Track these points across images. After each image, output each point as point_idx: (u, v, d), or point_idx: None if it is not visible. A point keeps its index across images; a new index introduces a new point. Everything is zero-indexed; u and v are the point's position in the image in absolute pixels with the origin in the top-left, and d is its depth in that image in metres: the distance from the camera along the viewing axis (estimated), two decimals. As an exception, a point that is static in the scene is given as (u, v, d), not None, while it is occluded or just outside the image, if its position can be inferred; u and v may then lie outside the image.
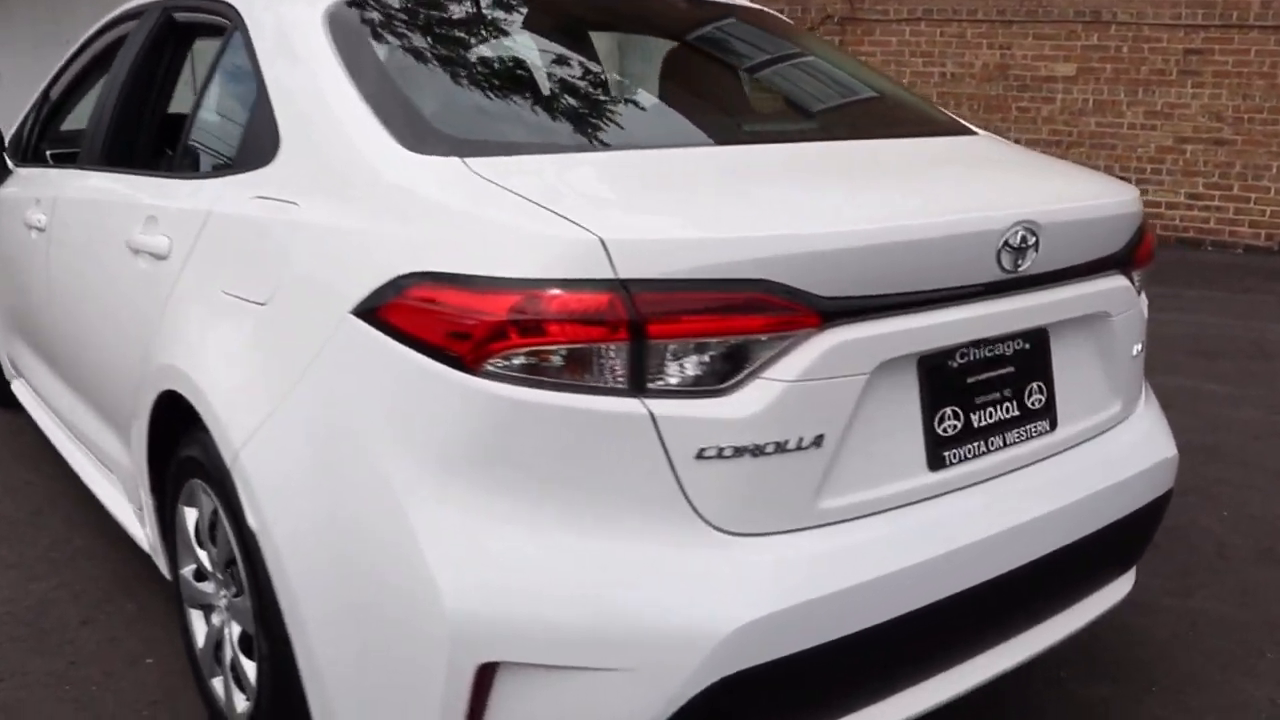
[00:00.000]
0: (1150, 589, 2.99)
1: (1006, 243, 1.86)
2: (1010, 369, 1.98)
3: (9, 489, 3.73)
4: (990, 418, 1.95)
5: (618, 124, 2.25)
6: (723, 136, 2.41)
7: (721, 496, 1.64)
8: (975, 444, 1.92)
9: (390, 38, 2.25)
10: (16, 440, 4.13)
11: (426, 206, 1.73)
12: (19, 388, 3.97)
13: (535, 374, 1.58)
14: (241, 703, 2.15)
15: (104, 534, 3.32)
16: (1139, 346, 2.24)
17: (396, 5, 2.36)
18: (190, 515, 2.31)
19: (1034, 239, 1.90)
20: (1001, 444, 1.96)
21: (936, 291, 1.81)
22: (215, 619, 2.29)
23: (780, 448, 1.65)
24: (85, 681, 2.59)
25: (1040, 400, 2.03)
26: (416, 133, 1.89)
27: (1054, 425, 2.06)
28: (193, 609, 2.39)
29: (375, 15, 2.28)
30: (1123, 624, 2.81)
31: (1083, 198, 2.09)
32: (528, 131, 2.09)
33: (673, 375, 1.61)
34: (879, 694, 1.83)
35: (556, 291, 1.55)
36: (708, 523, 1.64)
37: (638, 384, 1.60)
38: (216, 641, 2.28)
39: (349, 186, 1.89)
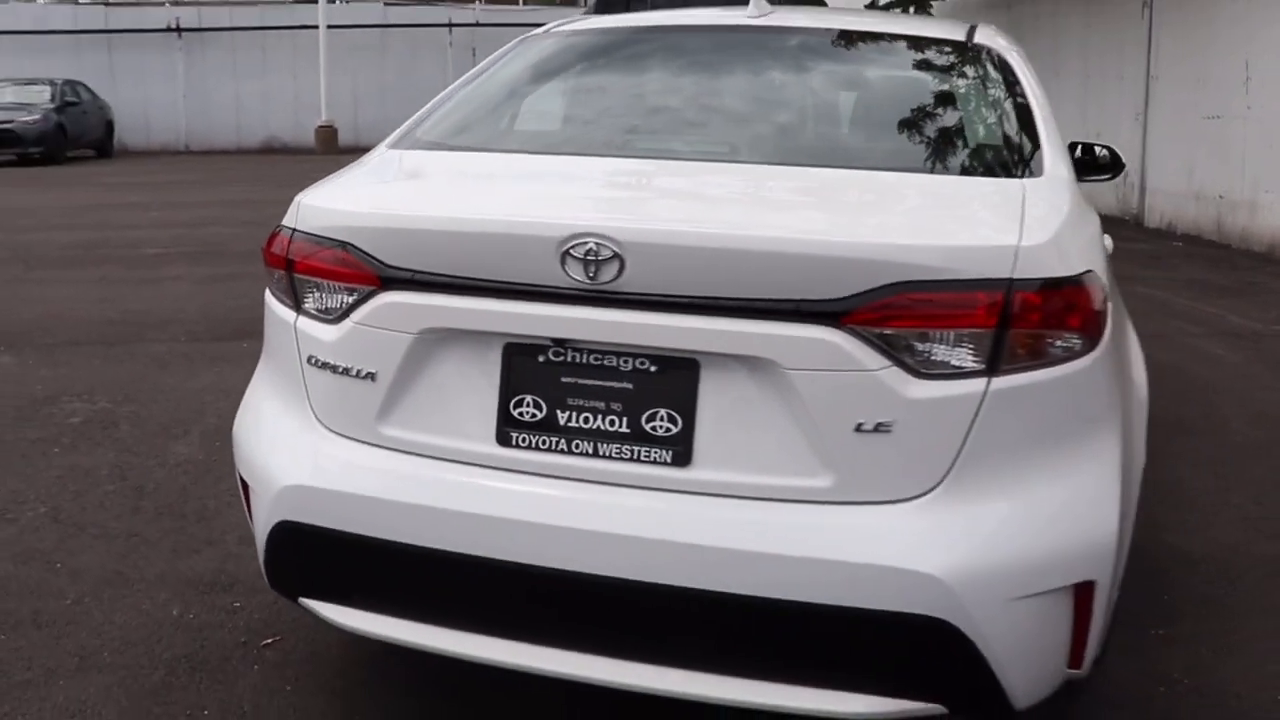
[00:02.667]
0: None
1: (569, 252, 1.94)
2: (627, 385, 2.01)
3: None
4: (583, 422, 2.03)
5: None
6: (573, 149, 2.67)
7: (321, 398, 2.21)
8: (555, 438, 2.03)
9: None
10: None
11: None
12: None
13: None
14: None
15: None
16: (880, 420, 1.88)
17: None
18: None
19: (611, 254, 1.92)
20: (591, 451, 2.01)
21: (507, 284, 2.01)
22: None
23: (346, 372, 2.15)
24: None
25: (669, 429, 1.98)
26: None
27: (684, 461, 1.97)
28: None
29: None
30: None
31: (750, 228, 1.98)
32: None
33: (307, 301, 2.23)
34: (451, 622, 2.10)
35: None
36: (316, 417, 2.22)
37: (296, 303, 2.25)
38: None
39: None
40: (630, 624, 2.00)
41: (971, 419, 1.87)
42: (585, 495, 2.00)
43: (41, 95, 20.98)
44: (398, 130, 2.70)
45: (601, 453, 2.01)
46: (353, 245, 2.13)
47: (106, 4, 25.28)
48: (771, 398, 1.93)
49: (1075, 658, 2.02)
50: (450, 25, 24.26)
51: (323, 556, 2.19)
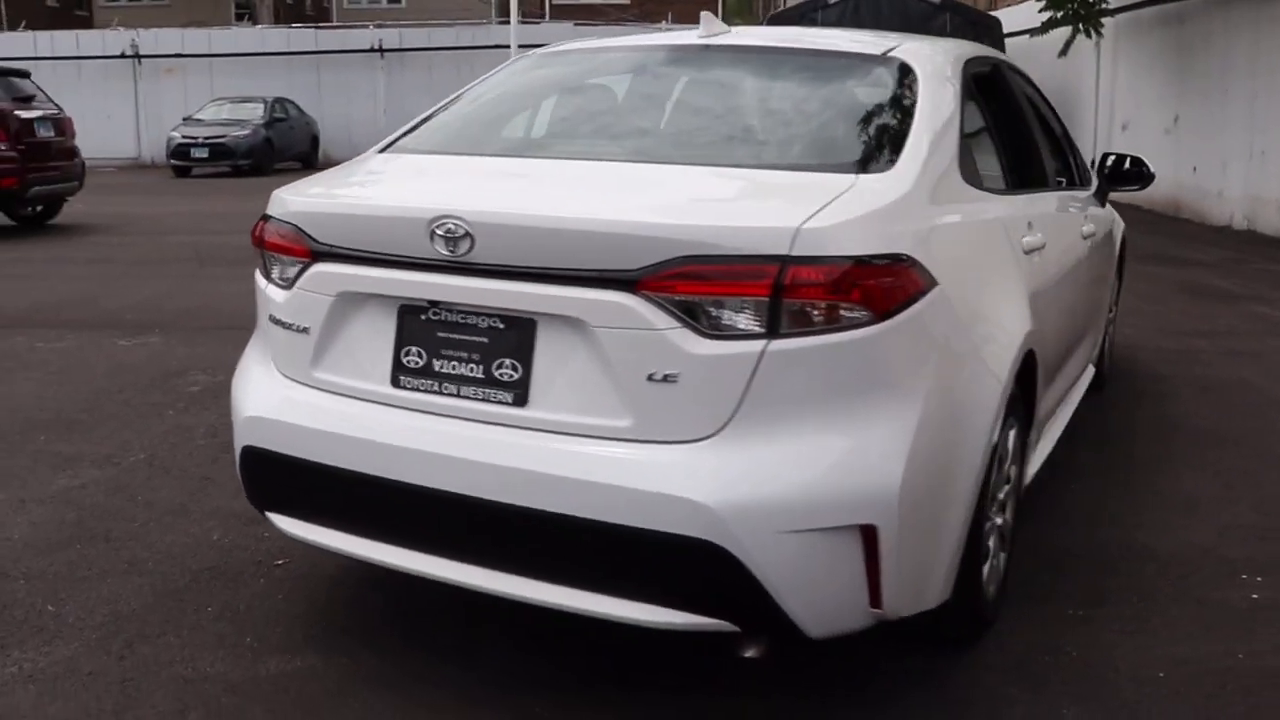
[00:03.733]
0: None
1: (434, 231, 2.39)
2: (483, 339, 2.44)
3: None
4: (451, 368, 2.48)
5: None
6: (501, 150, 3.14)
7: (276, 350, 2.77)
8: (431, 382, 2.50)
9: None
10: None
11: None
12: None
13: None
14: None
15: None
16: (667, 372, 2.24)
17: None
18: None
19: (464, 233, 2.36)
20: (455, 392, 2.46)
21: (398, 257, 2.49)
22: None
23: (291, 327, 2.71)
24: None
25: (511, 375, 2.40)
26: None
27: (522, 402, 2.39)
28: None
29: None
30: None
31: (581, 212, 2.39)
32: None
33: (272, 272, 2.78)
34: (365, 532, 2.61)
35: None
36: (275, 365, 2.78)
37: (266, 274, 2.80)
38: None
39: None
40: (477, 535, 2.44)
41: (751, 374, 2.22)
42: (449, 427, 2.46)
43: (254, 112, 22.90)
44: (388, 138, 3.22)
45: (462, 394, 2.47)
46: (297, 226, 2.66)
47: (317, 27, 27.25)
48: (586, 352, 2.33)
49: (874, 598, 2.31)
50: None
51: (275, 475, 2.73)
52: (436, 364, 2.50)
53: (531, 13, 28.59)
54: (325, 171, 3.13)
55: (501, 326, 2.44)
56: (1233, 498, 4.07)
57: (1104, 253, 4.68)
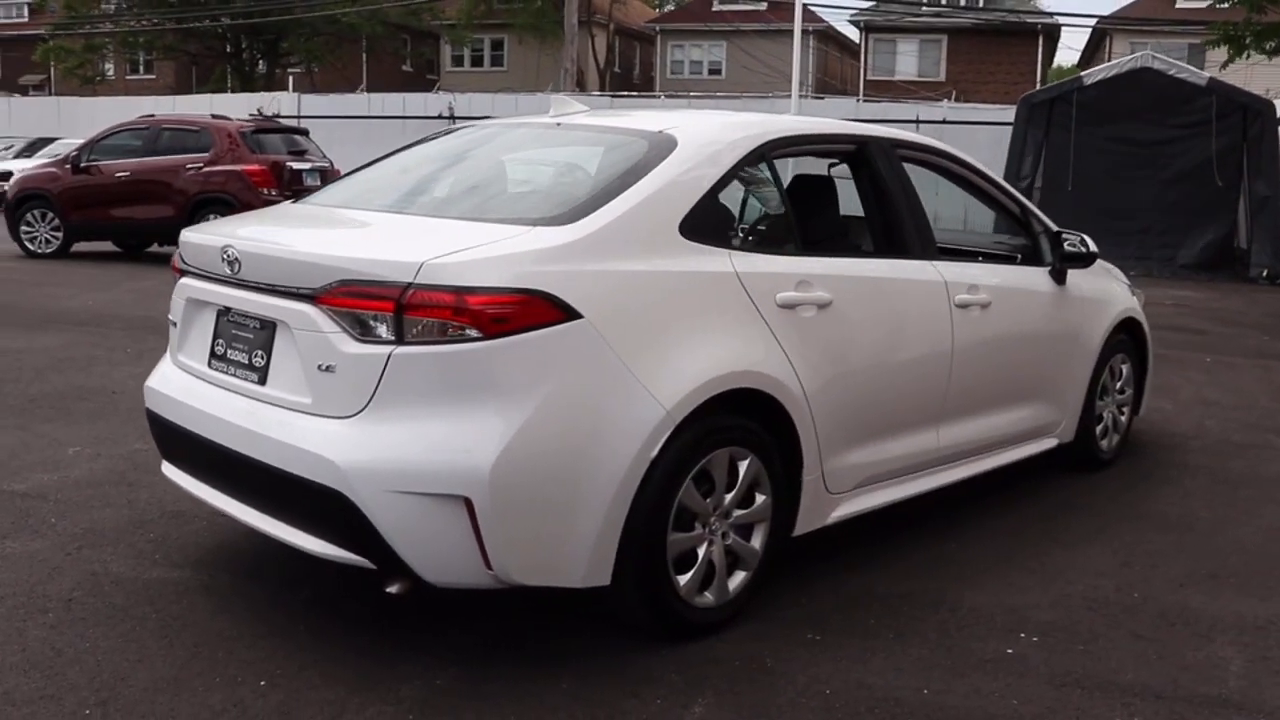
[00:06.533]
0: None
1: (223, 256, 3.33)
2: (249, 335, 3.31)
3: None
4: (233, 355, 3.38)
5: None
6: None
7: (170, 340, 3.74)
8: (224, 364, 3.41)
9: None
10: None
11: None
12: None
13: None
14: None
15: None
16: (329, 364, 3.00)
17: None
18: None
19: (234, 257, 3.30)
20: (234, 373, 3.35)
21: (213, 275, 3.43)
22: None
23: (173, 324, 3.70)
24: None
25: (260, 362, 3.26)
26: None
27: (263, 381, 3.24)
28: None
29: None
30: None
31: (297, 246, 3.31)
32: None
33: (186, 273, 3.69)
34: (191, 472, 3.57)
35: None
36: (171, 350, 3.72)
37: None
38: None
39: None
40: (236, 477, 3.33)
41: (382, 370, 2.95)
42: (226, 398, 3.36)
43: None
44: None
45: (236, 373, 3.36)
46: (181, 253, 3.70)
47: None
48: (293, 347, 3.14)
49: (486, 561, 2.93)
50: (917, 121, 24.71)
51: (159, 430, 3.70)
52: (228, 351, 3.41)
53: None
54: (239, 214, 4.15)
55: (259, 326, 3.30)
56: (1113, 571, 4.11)
57: (1038, 325, 4.80)
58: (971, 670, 3.30)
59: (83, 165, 13.42)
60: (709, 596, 3.40)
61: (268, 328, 3.25)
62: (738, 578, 3.50)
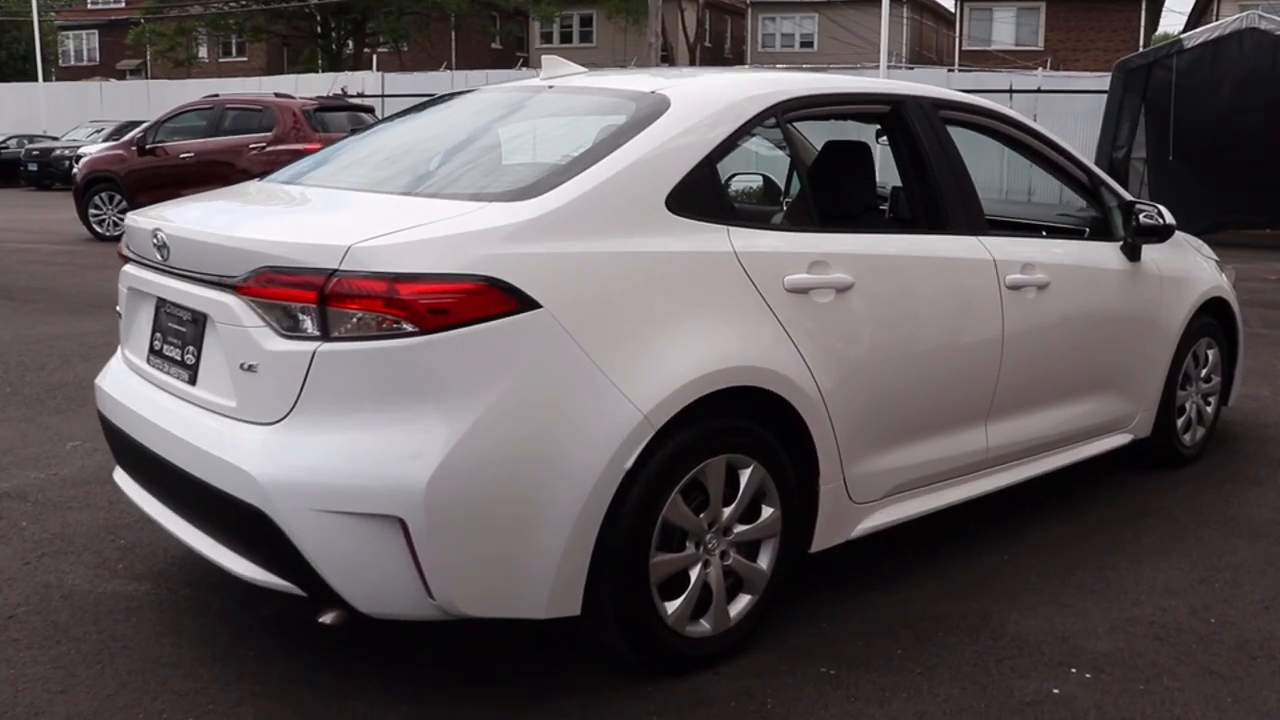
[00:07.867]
0: None
1: (153, 241, 3.01)
2: (183, 329, 2.95)
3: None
4: (168, 350, 3.02)
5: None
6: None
7: (121, 332, 3.38)
8: (161, 360, 3.06)
9: None
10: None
11: None
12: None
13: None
14: None
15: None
16: (251, 363, 2.63)
17: None
18: None
19: (163, 242, 2.97)
20: (168, 371, 3.01)
21: (151, 262, 3.08)
22: None
23: (119, 315, 3.36)
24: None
25: (191, 360, 2.90)
26: None
27: (194, 381, 2.88)
28: None
29: None
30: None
31: (220, 229, 2.93)
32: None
33: (128, 260, 3.33)
34: (136, 480, 3.23)
35: None
36: (121, 344, 3.38)
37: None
38: None
39: None
40: (169, 487, 2.97)
41: (306, 371, 2.55)
42: (160, 398, 3.02)
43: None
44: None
45: (170, 372, 3.01)
46: (125, 237, 3.35)
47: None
48: (218, 343, 2.77)
49: (426, 589, 2.54)
50: (1011, 91, 23.68)
51: (107, 433, 3.37)
52: (164, 347, 3.06)
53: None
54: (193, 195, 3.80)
55: (191, 319, 2.93)
56: (1188, 589, 3.60)
57: (1107, 307, 4.25)
58: (1008, 715, 2.83)
59: (148, 147, 13.44)
60: (705, 625, 2.98)
61: (198, 321, 2.89)
62: (741, 602, 3.07)
